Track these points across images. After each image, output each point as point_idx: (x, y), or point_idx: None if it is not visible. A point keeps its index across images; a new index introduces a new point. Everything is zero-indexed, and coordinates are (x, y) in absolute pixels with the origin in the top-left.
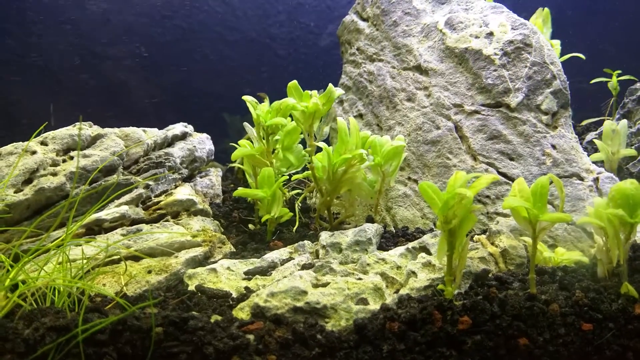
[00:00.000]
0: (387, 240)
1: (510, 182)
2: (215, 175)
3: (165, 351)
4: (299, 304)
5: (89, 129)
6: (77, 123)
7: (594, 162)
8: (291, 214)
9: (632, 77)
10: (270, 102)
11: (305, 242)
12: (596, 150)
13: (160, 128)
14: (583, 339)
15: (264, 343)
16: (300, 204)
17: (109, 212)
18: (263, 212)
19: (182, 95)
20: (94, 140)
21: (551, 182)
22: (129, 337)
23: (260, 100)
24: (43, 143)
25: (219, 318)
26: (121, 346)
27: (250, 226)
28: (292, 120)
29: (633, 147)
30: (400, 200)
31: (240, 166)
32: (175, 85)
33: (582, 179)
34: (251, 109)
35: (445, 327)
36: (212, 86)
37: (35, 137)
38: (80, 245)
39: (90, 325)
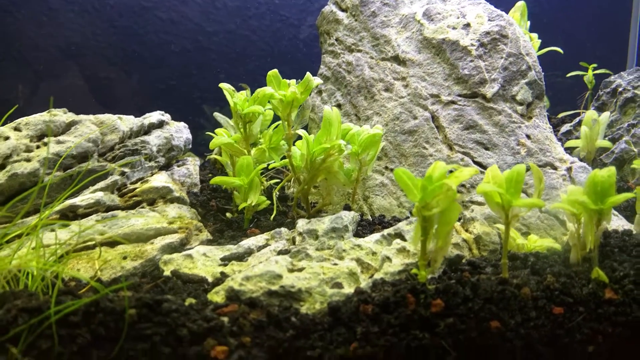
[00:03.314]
0: (364, 228)
1: (485, 171)
2: (192, 164)
3: (139, 333)
4: (274, 288)
5: (64, 115)
6: (51, 109)
7: (569, 148)
8: (268, 202)
9: (607, 71)
10: (252, 94)
11: (282, 229)
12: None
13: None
14: (554, 322)
15: (238, 325)
16: (278, 193)
17: (84, 198)
18: (240, 200)
19: (160, 88)
20: (68, 127)
21: (528, 170)
22: (102, 319)
23: (241, 91)
24: (16, 129)
25: (194, 301)
26: (94, 327)
27: (228, 215)
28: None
29: (606, 138)
30: (377, 189)
31: (217, 157)
32: (154, 77)
33: (555, 168)
34: (228, 97)
35: (418, 310)
36: (190, 78)
37: (8, 123)
38: (54, 231)
39: (63, 307)
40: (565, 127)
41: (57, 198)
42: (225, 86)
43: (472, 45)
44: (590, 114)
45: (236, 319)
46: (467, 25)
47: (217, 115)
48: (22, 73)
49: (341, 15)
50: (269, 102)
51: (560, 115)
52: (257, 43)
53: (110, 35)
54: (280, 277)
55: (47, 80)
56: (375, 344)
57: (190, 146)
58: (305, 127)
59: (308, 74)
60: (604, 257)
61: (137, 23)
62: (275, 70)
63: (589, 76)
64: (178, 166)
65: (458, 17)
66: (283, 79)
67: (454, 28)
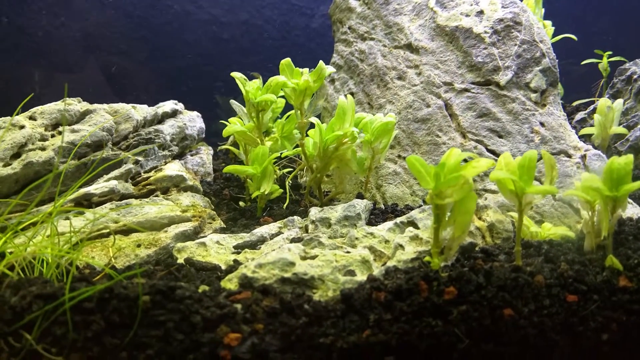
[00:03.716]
0: (376, 217)
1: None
2: (206, 154)
3: (153, 319)
4: (287, 275)
5: (78, 105)
6: (66, 98)
7: (583, 135)
8: (281, 190)
9: (622, 58)
10: (264, 83)
11: (295, 217)
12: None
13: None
14: (567, 310)
15: (251, 312)
16: (290, 181)
17: (98, 187)
18: (253, 188)
19: (174, 78)
20: (82, 116)
21: (540, 159)
22: (116, 305)
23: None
24: (32, 118)
25: (207, 288)
26: (108, 314)
27: (241, 203)
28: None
29: (621, 126)
30: (390, 177)
31: (230, 147)
32: (168, 68)
33: (569, 156)
34: (240, 85)
35: (431, 297)
36: (204, 68)
37: (23, 112)
38: (69, 219)
39: (77, 293)
40: (579, 115)
41: (71, 186)
42: (237, 75)
43: (486, 32)
44: (603, 101)
45: (249, 306)
46: (481, 12)
47: (233, 103)
48: (38, 63)
49: (354, 3)
50: (281, 90)
51: (575, 103)
52: (270, 32)
53: (125, 25)
54: (293, 264)
55: (62, 70)
56: (388, 331)
57: (204, 135)
58: (318, 116)
59: (321, 62)
60: (618, 244)
61: (151, 14)
62: (288, 59)
63: (603, 64)
64: (191, 155)
65: (471, 4)
66: (296, 67)
67: (467, 15)
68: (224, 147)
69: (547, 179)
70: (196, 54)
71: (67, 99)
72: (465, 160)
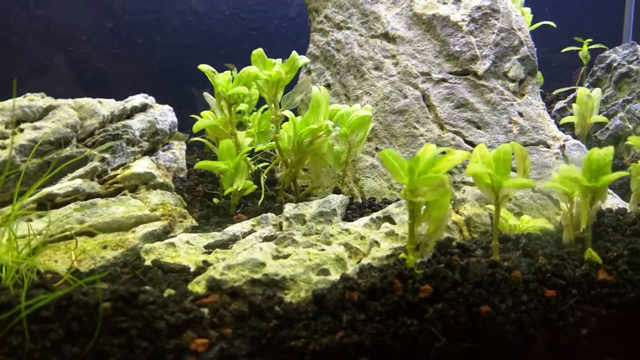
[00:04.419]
0: (354, 212)
1: None
2: (178, 149)
3: (115, 327)
4: (257, 276)
5: (41, 100)
6: (28, 93)
7: (564, 125)
8: (255, 186)
9: (602, 46)
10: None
11: (269, 214)
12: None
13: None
14: (546, 305)
15: (219, 316)
16: (266, 177)
17: (62, 186)
18: (226, 184)
19: (149, 69)
20: (45, 112)
21: None
22: (75, 313)
23: (230, 72)
24: None
25: (173, 292)
26: (67, 322)
27: (215, 200)
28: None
29: (601, 114)
30: (367, 171)
31: (202, 139)
32: (143, 59)
33: (548, 146)
34: (210, 78)
35: (406, 296)
36: (180, 59)
37: None
38: (31, 221)
39: (34, 301)
40: (559, 104)
41: (33, 186)
42: (204, 67)
43: (463, 20)
44: (583, 90)
45: (217, 310)
46: (458, 0)
47: (207, 96)
48: (3, 56)
49: None
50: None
51: (555, 91)
52: (248, 22)
53: (98, 17)
54: (263, 264)
55: (29, 65)
56: (362, 332)
57: (176, 129)
58: (295, 109)
59: (294, 52)
60: (597, 237)
61: (126, 4)
62: (260, 50)
63: (583, 51)
64: (163, 151)
65: None
66: (275, 58)
67: (444, 3)
68: (195, 139)
69: (519, 171)
70: (172, 45)
71: (29, 94)
72: (442, 154)
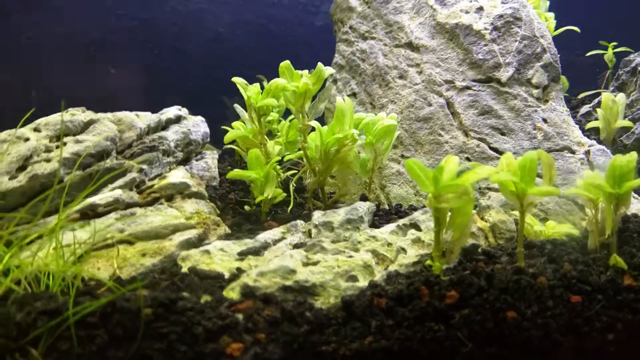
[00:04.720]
0: (380, 218)
1: (501, 157)
2: (211, 158)
3: (156, 332)
4: (288, 283)
5: (82, 115)
6: (69, 109)
7: (589, 130)
8: (285, 194)
9: (627, 49)
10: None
11: (298, 221)
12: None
13: (159, 111)
14: (572, 311)
15: (253, 322)
16: (294, 184)
17: (103, 197)
18: (257, 193)
19: (180, 80)
20: (86, 126)
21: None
22: (119, 319)
23: (260, 83)
24: (36, 130)
25: (209, 298)
26: (112, 328)
27: (246, 207)
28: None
29: (627, 118)
30: (393, 178)
31: (235, 147)
32: (173, 70)
33: (573, 152)
34: (242, 90)
35: (432, 302)
36: (210, 69)
37: (27, 125)
38: (75, 230)
39: (80, 308)
40: (584, 109)
41: (77, 197)
42: (238, 80)
43: (486, 29)
44: (607, 95)
45: (251, 316)
46: (480, 8)
47: (237, 107)
48: (40, 70)
49: (354, 2)
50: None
51: (581, 95)
52: (274, 31)
53: (130, 29)
54: (294, 272)
55: (66, 78)
56: (390, 337)
57: (208, 139)
58: (322, 117)
59: (320, 64)
60: (622, 242)
61: (156, 16)
62: (288, 62)
63: (609, 55)
64: (196, 160)
65: (471, 1)
66: (302, 67)
67: (467, 12)
68: (229, 146)
69: (545, 179)
70: (202, 56)
71: (71, 109)
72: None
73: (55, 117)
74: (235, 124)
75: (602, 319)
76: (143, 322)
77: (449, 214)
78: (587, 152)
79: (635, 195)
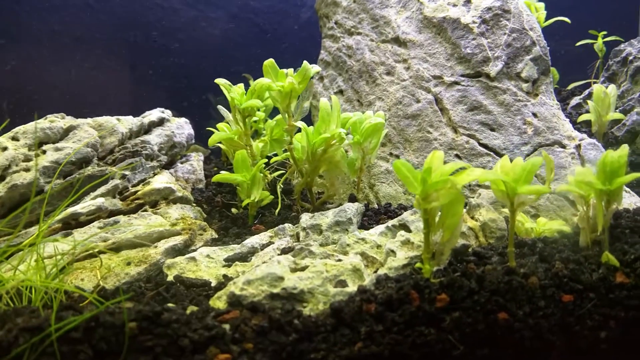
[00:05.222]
0: (370, 218)
1: (491, 153)
2: (196, 160)
3: (141, 345)
4: (276, 290)
5: (61, 121)
6: (48, 115)
7: (581, 122)
8: (272, 197)
9: (618, 38)
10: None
11: (286, 225)
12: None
13: (143, 112)
14: (564, 310)
15: (240, 332)
16: (282, 186)
17: (85, 206)
18: (243, 196)
19: (164, 78)
20: (66, 132)
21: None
22: (103, 334)
23: (246, 82)
24: (14, 138)
25: (195, 309)
26: (96, 343)
27: (234, 210)
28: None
29: (617, 110)
30: (382, 176)
31: (222, 147)
32: (158, 67)
33: (564, 146)
34: (225, 92)
35: (422, 306)
36: (196, 66)
37: (4, 134)
38: (56, 241)
39: (63, 324)
40: (574, 101)
41: (58, 207)
42: (221, 81)
43: (474, 22)
44: (599, 87)
45: (238, 326)
46: (468, 1)
47: (220, 109)
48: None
49: None
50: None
51: (570, 86)
52: (261, 26)
53: (111, 26)
54: (281, 278)
55: (38, 79)
56: (380, 343)
57: (193, 141)
58: (309, 115)
59: (305, 62)
60: (614, 239)
61: (138, 12)
62: (272, 60)
63: (599, 44)
64: (181, 163)
65: None
66: (289, 63)
67: (454, 5)
68: (217, 146)
69: (547, 183)
70: (186, 52)
71: (49, 115)
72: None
73: (33, 125)
74: (220, 125)
75: (595, 317)
76: (127, 336)
77: (439, 214)
78: (578, 146)
79: (628, 189)
